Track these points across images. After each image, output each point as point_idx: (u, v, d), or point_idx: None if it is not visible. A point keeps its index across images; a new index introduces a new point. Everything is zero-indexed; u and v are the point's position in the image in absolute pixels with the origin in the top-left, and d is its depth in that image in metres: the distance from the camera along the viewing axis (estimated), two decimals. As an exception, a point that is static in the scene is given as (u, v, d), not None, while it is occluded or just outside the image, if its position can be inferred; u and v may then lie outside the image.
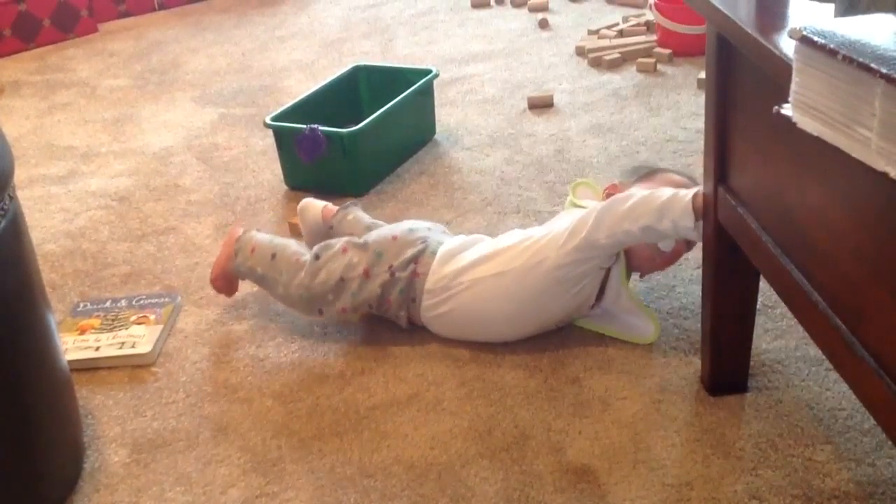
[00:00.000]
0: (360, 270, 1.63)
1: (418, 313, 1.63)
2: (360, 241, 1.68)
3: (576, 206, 1.74)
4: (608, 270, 1.60)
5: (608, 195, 1.64)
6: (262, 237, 1.76)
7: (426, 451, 1.42)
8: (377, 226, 1.81)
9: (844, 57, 0.78)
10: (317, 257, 1.66)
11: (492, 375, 1.56)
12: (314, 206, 1.93)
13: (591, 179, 1.99)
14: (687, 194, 1.44)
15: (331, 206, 1.91)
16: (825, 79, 0.82)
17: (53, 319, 1.38)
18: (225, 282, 1.78)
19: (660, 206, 1.46)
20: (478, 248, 1.64)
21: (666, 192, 1.47)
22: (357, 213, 1.88)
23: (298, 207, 1.95)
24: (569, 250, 1.54)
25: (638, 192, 1.52)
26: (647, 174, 1.73)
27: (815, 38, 0.81)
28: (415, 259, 1.62)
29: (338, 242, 1.69)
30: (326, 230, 1.88)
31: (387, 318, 1.66)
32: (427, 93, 2.41)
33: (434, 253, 1.63)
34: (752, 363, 1.48)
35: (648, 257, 1.62)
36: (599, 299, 1.62)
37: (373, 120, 2.17)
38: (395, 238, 1.66)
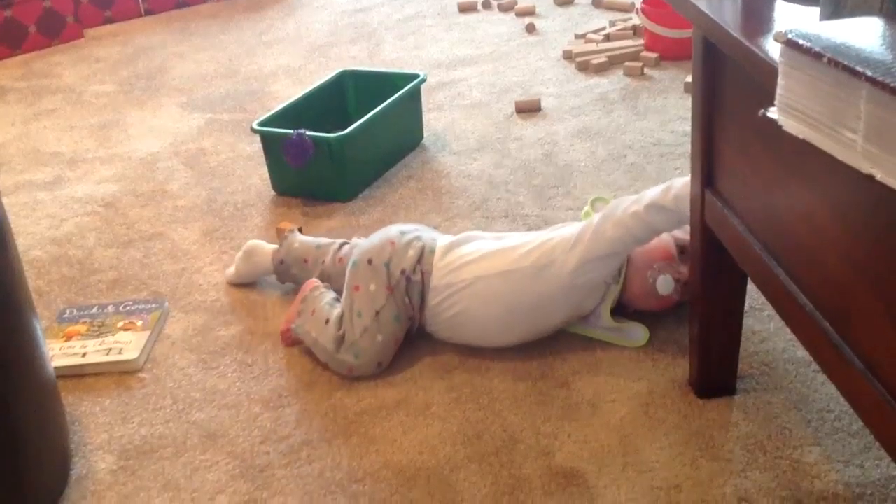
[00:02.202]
0: (384, 291, 1.58)
1: (425, 314, 1.62)
2: (360, 261, 1.61)
3: None
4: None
5: None
6: (326, 299, 1.66)
7: (415, 455, 1.41)
8: (324, 244, 1.78)
9: (830, 60, 0.78)
10: (343, 312, 1.60)
11: (480, 380, 1.56)
12: (264, 250, 1.85)
13: (610, 196, 1.97)
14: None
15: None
16: (811, 82, 0.82)
17: (39, 326, 1.37)
18: (289, 333, 1.67)
19: (662, 187, 1.50)
20: (478, 244, 1.63)
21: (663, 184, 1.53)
22: (299, 238, 1.82)
23: (246, 249, 1.86)
24: (578, 251, 1.54)
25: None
26: None
27: (801, 42, 0.81)
28: (418, 259, 1.60)
29: (345, 286, 1.62)
30: (277, 266, 1.81)
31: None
32: (414, 97, 2.40)
33: (433, 250, 1.62)
34: (740, 366, 1.48)
35: (643, 293, 1.61)
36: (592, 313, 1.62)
37: (360, 125, 2.16)
38: (392, 243, 1.62)
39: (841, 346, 0.98)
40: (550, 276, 1.55)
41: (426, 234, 1.67)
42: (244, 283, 1.88)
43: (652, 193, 1.51)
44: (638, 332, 1.60)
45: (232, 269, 1.89)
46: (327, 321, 1.60)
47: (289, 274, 1.83)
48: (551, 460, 1.38)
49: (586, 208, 1.83)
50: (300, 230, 1.89)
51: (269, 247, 1.86)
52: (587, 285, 1.57)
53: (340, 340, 1.58)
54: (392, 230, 1.68)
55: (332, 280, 1.73)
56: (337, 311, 1.62)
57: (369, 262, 1.61)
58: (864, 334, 0.94)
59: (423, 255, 1.61)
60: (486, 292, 1.57)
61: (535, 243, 1.59)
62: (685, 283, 1.58)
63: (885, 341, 0.90)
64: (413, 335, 1.64)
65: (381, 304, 1.57)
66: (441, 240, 1.66)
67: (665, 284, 1.58)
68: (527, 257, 1.57)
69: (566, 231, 1.59)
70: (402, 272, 1.59)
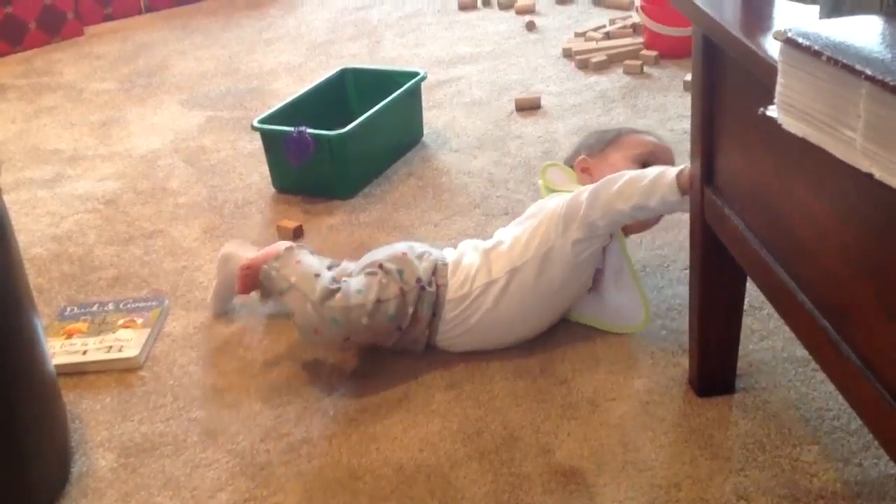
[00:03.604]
0: (396, 290, 1.55)
1: (437, 329, 1.59)
2: (371, 261, 1.60)
3: (552, 190, 1.73)
4: (604, 248, 1.62)
5: (583, 170, 1.76)
6: (315, 257, 1.65)
7: (415, 453, 1.41)
8: (336, 264, 1.71)
9: (829, 58, 0.78)
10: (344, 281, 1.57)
11: (480, 377, 1.56)
12: (237, 257, 1.71)
13: (559, 161, 1.92)
14: (672, 171, 1.48)
15: (260, 253, 1.67)
16: (810, 80, 0.82)
17: (40, 324, 1.37)
18: (251, 273, 1.61)
19: (648, 185, 1.50)
20: (475, 253, 1.63)
21: (652, 172, 1.51)
22: (305, 257, 1.64)
23: (221, 255, 1.75)
24: (572, 233, 1.55)
25: (625, 173, 1.54)
26: (613, 139, 1.78)
27: (800, 40, 0.82)
28: (433, 271, 1.59)
29: (351, 267, 1.63)
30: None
31: (396, 348, 1.61)
32: (415, 95, 2.41)
33: (445, 264, 1.61)
34: (739, 364, 1.48)
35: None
36: (598, 282, 1.63)
37: (360, 122, 2.16)
38: (403, 254, 1.60)
39: (839, 344, 0.98)
40: (555, 257, 1.57)
41: (435, 252, 1.65)
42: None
43: (638, 194, 1.50)
44: (638, 315, 1.62)
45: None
46: (318, 275, 1.56)
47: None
48: (551, 458, 1.38)
49: (541, 181, 1.77)
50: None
51: (243, 255, 1.70)
52: (589, 258, 1.59)
53: (330, 295, 1.52)
54: (399, 246, 1.65)
55: None
56: (332, 272, 1.60)
57: (381, 266, 1.58)
58: (862, 332, 0.94)
59: (437, 268, 1.60)
60: (502, 293, 1.57)
61: (527, 233, 1.60)
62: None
63: (884, 339, 0.90)
64: (418, 354, 1.61)
65: (387, 297, 1.54)
66: (450, 255, 1.65)
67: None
68: (526, 250, 1.58)
69: (546, 208, 1.61)
70: (418, 280, 1.57)
